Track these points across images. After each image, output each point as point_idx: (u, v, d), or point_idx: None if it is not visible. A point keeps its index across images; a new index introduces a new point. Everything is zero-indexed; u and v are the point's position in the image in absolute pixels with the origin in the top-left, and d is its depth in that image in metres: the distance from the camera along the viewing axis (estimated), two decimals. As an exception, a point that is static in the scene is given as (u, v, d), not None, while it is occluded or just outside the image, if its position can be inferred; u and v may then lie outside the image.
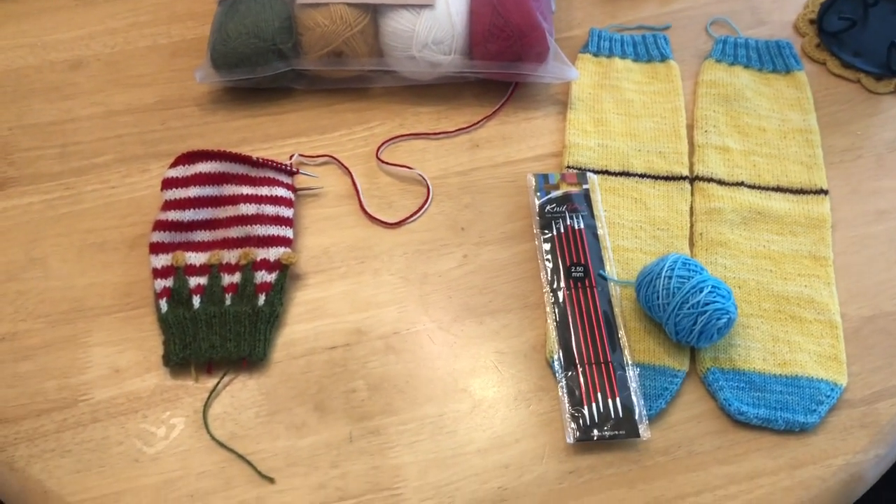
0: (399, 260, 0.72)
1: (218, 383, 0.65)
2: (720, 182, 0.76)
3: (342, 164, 0.78)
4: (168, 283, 0.69)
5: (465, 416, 0.64)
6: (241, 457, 0.62)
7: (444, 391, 0.65)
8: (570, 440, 0.62)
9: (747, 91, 0.82)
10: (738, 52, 0.86)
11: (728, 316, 0.63)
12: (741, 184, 0.76)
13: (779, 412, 0.63)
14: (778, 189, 0.76)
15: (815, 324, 0.68)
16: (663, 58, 0.85)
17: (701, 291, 0.63)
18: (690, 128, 0.81)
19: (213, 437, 0.63)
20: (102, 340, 0.67)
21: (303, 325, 0.68)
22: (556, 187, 0.75)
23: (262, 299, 0.68)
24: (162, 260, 0.70)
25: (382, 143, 0.79)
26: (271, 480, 0.61)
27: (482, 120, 0.81)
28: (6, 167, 0.78)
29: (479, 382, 0.66)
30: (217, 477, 0.61)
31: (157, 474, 0.61)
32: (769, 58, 0.85)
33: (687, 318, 0.63)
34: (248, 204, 0.71)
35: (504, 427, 0.63)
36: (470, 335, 0.68)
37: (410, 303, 0.70)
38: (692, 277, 0.64)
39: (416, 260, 0.72)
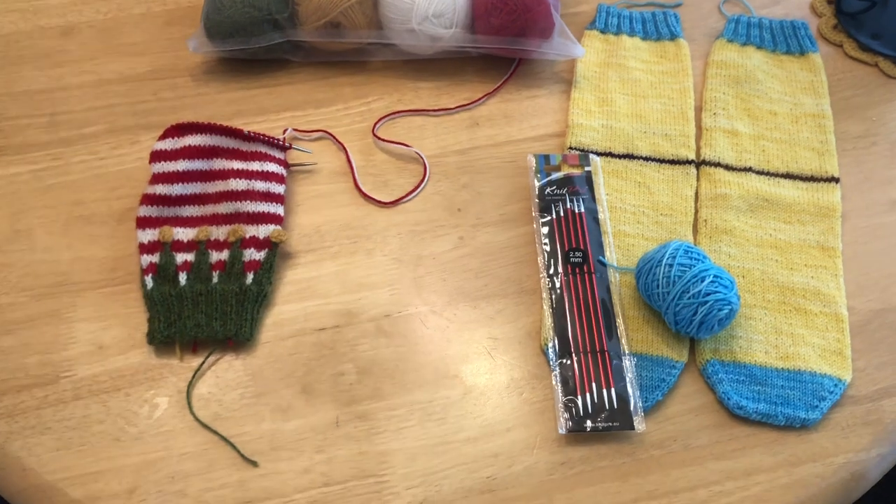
0: (393, 240, 0.70)
1: (203, 363, 0.63)
2: (727, 167, 0.73)
3: (337, 140, 0.76)
4: (154, 258, 0.67)
5: (455, 403, 0.62)
6: (224, 439, 0.60)
7: (434, 377, 0.63)
8: (563, 430, 0.60)
9: (759, 73, 0.79)
10: (751, 31, 0.83)
11: (730, 307, 0.61)
12: (749, 169, 0.73)
13: (779, 407, 0.61)
14: (787, 176, 0.73)
15: (820, 316, 0.65)
16: (673, 36, 0.82)
17: (702, 281, 0.61)
18: (699, 110, 0.78)
19: (196, 419, 0.61)
20: (87, 316, 0.66)
21: (292, 306, 0.67)
22: (558, 169, 0.72)
23: (250, 278, 0.66)
24: (149, 235, 0.68)
25: (379, 119, 0.77)
26: (254, 464, 0.59)
27: (483, 97, 0.79)
28: (-7, 135, 0.76)
29: (471, 369, 0.64)
30: (199, 459, 0.60)
31: (139, 454, 0.60)
32: (783, 38, 0.82)
33: (687, 308, 0.61)
34: (238, 179, 0.69)
35: (495, 415, 0.62)
36: (463, 320, 0.66)
37: (403, 285, 0.68)
38: (694, 266, 0.62)
39: (411, 241, 0.70)
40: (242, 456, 0.60)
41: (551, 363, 0.63)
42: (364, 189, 0.73)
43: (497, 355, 0.64)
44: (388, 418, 0.61)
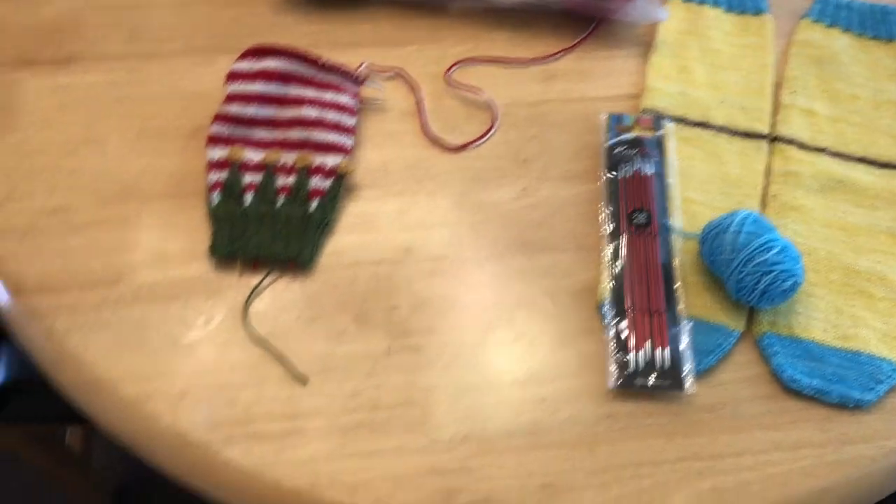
0: (456, 184, 0.70)
1: (262, 281, 0.64)
2: (801, 146, 0.72)
3: (410, 81, 0.76)
4: (222, 176, 0.68)
5: (505, 348, 0.62)
6: (277, 355, 0.61)
7: (486, 321, 0.63)
8: (612, 385, 0.60)
9: (843, 56, 0.78)
10: (838, 13, 0.81)
11: (794, 279, 0.60)
12: (824, 150, 0.72)
13: (834, 385, 0.60)
14: (863, 160, 0.72)
15: (884, 301, 0.64)
16: (758, 11, 0.81)
17: (769, 251, 0.60)
18: (777, 87, 0.76)
19: (251, 333, 0.62)
20: (152, 223, 0.67)
21: (352, 237, 0.67)
22: (629, 129, 0.72)
23: (314, 205, 0.67)
24: (218, 153, 0.69)
25: (453, 65, 0.77)
26: (305, 382, 0.60)
27: (560, 52, 0.78)
28: (74, 42, 0.77)
29: (524, 316, 0.64)
30: (251, 373, 0.60)
31: (192, 362, 0.61)
32: (872, 23, 0.80)
33: (751, 276, 0.60)
34: (310, 107, 0.69)
35: (544, 363, 0.62)
36: (520, 268, 0.66)
37: (463, 228, 0.68)
38: (762, 235, 0.61)
39: (474, 186, 0.70)
40: (293, 373, 0.60)
41: (606, 319, 0.63)
42: (432, 131, 0.73)
43: (551, 307, 0.64)
44: (439, 354, 0.62)
